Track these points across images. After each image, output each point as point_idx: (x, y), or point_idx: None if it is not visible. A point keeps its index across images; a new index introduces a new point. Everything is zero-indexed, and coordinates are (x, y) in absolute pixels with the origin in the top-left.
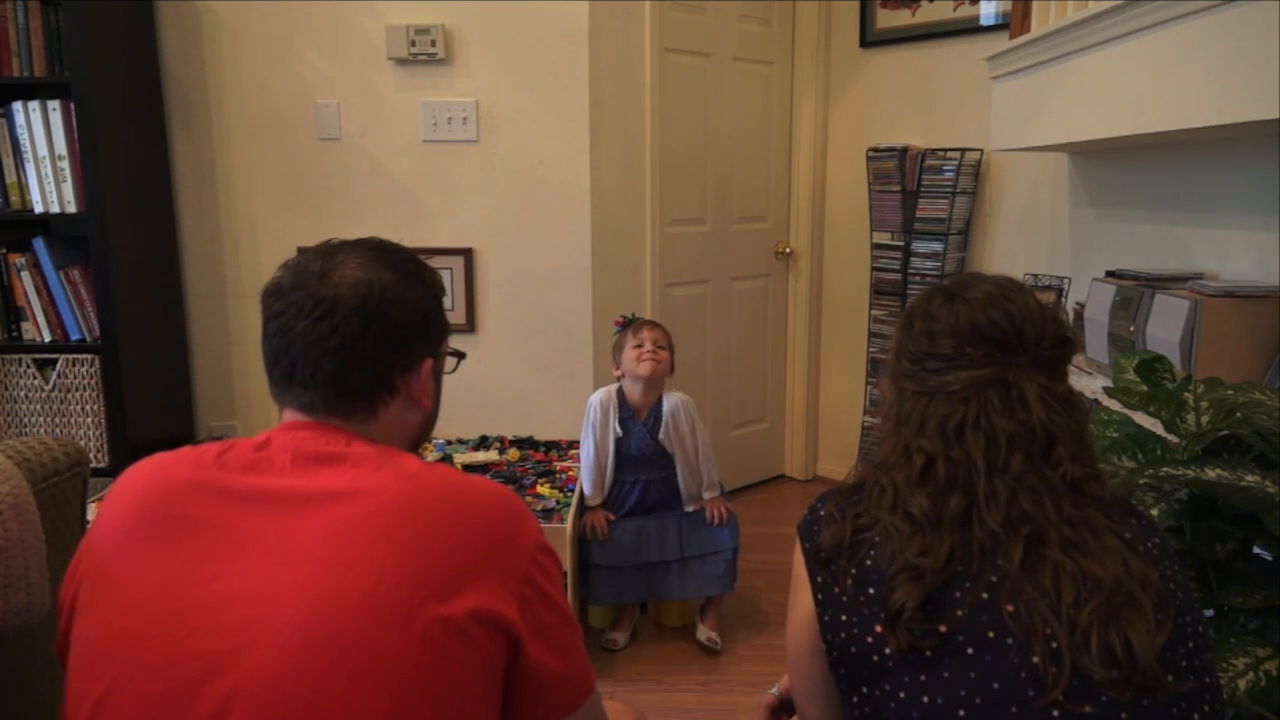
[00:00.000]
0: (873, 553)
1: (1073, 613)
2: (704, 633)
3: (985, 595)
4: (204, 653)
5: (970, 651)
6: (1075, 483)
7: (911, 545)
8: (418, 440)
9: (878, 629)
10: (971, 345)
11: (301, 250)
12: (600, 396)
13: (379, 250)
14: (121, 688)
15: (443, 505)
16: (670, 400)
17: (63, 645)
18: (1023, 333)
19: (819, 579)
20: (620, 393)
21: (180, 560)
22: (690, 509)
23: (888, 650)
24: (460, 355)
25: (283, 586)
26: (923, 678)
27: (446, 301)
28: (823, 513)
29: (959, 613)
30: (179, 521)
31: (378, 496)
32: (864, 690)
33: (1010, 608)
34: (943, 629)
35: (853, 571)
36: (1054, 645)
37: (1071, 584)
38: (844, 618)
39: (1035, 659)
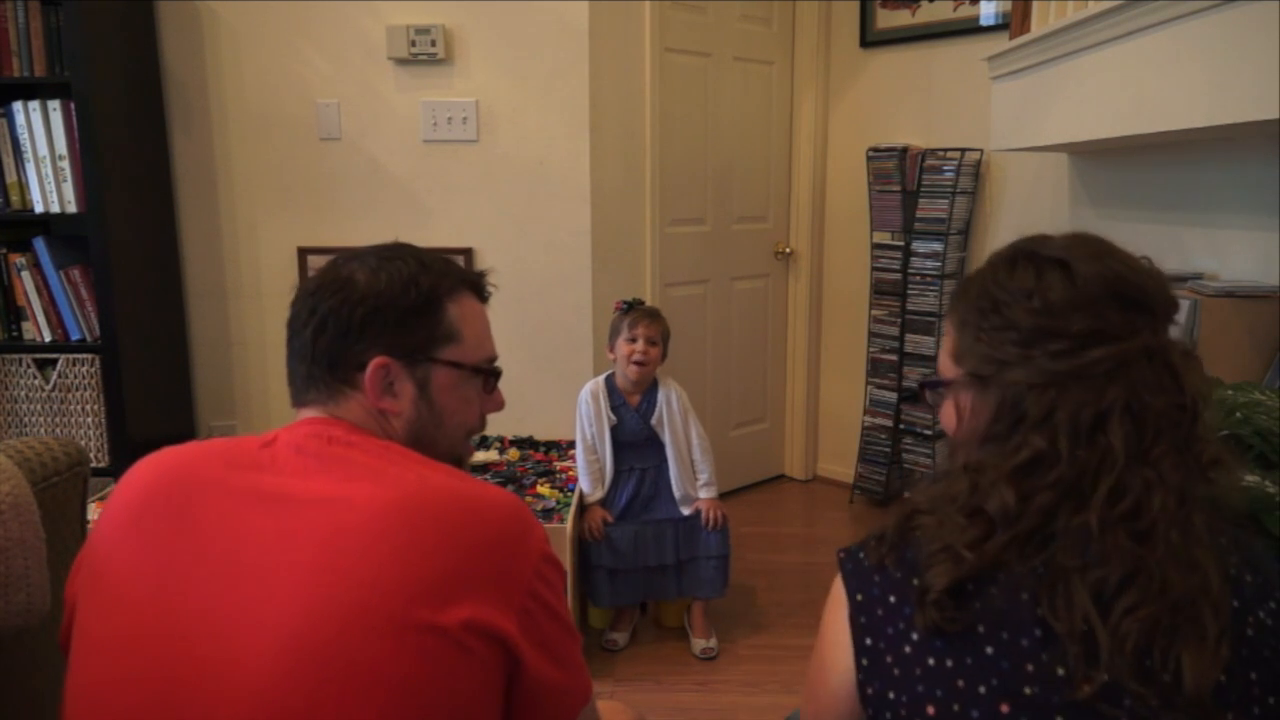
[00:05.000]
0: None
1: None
2: (698, 644)
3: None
4: (196, 659)
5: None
6: (1207, 467)
7: (965, 536)
8: (418, 446)
9: (930, 710)
10: (1113, 311)
11: None
12: (589, 388)
13: (381, 250)
14: (115, 693)
15: (444, 512)
16: (664, 387)
17: (65, 638)
18: (1151, 288)
19: (867, 641)
20: (611, 380)
21: (177, 560)
22: (686, 511)
23: None
24: (483, 371)
25: (277, 593)
26: None
27: None
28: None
29: (1026, 691)
30: (179, 519)
31: (377, 501)
32: None
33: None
34: (1004, 709)
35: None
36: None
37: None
38: (891, 695)
39: (1125, 699)
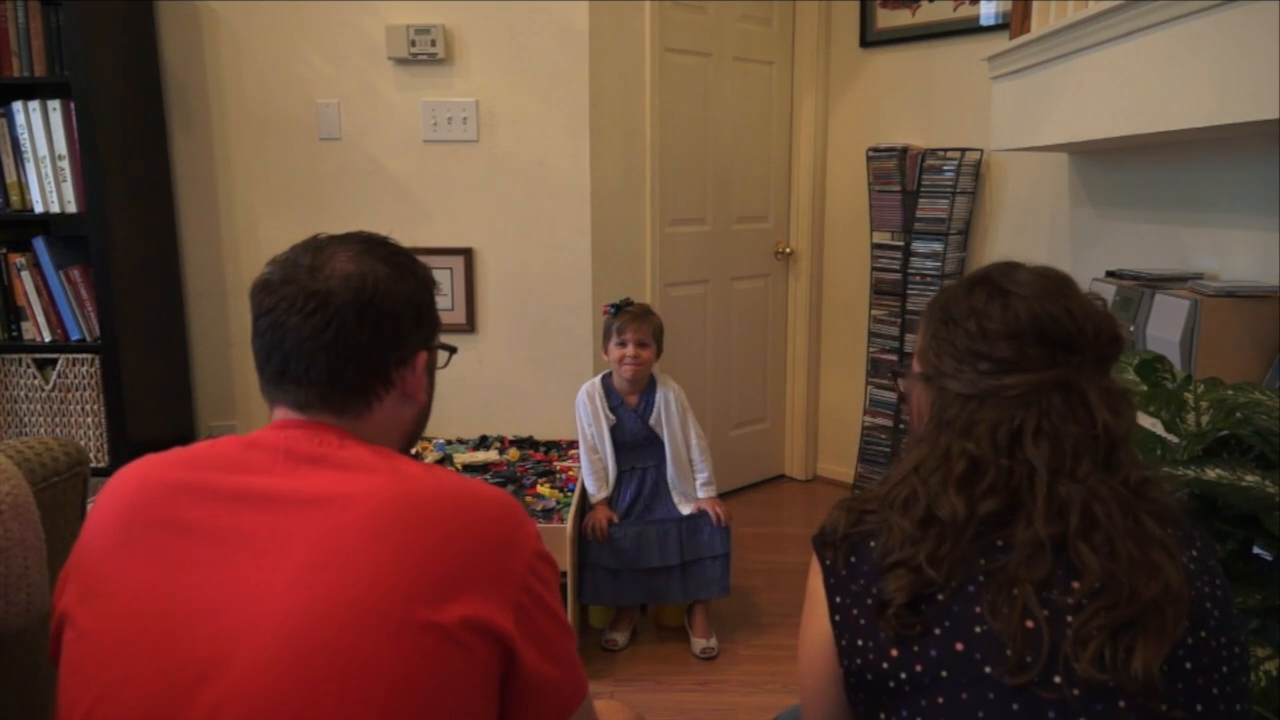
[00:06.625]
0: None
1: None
2: (698, 644)
3: (1006, 609)
4: (193, 660)
5: (988, 670)
6: (1136, 487)
7: (920, 549)
8: (413, 436)
9: (893, 652)
10: (1034, 346)
11: (291, 247)
12: (586, 390)
13: (368, 243)
14: (113, 695)
15: (439, 510)
16: (662, 386)
17: (55, 648)
18: (1084, 331)
19: (837, 599)
20: (608, 380)
21: (169, 565)
22: (687, 511)
23: (903, 675)
24: (452, 349)
25: (272, 592)
26: (940, 700)
27: (446, 301)
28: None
29: (976, 629)
30: (168, 525)
31: (371, 500)
32: (881, 717)
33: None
34: (959, 647)
35: (861, 581)
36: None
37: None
38: (860, 642)
39: (1057, 678)
